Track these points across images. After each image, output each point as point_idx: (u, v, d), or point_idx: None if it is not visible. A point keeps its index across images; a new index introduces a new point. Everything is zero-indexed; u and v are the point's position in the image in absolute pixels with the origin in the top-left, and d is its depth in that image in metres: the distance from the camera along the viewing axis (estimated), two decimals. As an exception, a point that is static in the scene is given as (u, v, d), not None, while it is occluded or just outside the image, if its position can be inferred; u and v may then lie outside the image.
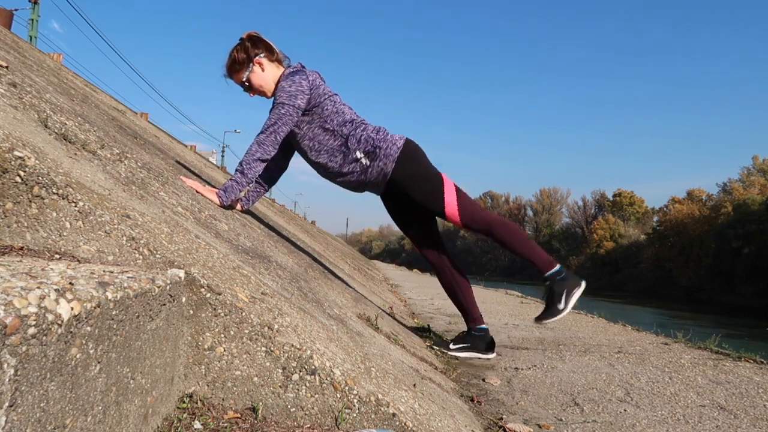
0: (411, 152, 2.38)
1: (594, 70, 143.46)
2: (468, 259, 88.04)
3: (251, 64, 2.33)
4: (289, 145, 2.50)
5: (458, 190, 2.41)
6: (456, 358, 2.51)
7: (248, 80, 2.34)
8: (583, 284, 2.40)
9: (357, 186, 2.43)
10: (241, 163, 2.22)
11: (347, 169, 2.36)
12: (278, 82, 2.33)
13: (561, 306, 2.33)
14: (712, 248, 42.56)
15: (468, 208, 2.39)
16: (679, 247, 47.62)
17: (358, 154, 2.33)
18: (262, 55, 2.34)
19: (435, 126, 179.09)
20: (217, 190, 2.28)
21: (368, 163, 2.33)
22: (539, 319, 2.39)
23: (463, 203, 2.39)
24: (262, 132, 2.23)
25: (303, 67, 2.38)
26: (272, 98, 2.36)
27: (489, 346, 2.56)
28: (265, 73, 2.34)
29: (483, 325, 2.59)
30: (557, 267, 2.38)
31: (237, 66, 2.34)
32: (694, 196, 54.19)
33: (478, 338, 2.56)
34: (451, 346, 2.56)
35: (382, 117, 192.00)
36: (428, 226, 2.62)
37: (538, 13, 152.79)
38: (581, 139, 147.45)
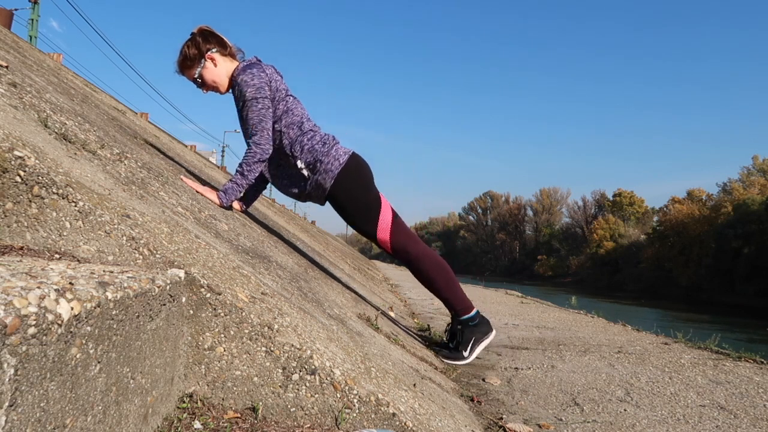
0: (353, 170, 2.34)
1: (594, 70, 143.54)
2: (467, 259, 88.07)
3: (203, 60, 2.25)
4: None
5: (395, 216, 2.41)
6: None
7: (200, 76, 2.27)
8: (493, 334, 2.47)
9: (298, 195, 2.39)
10: (241, 165, 2.21)
11: (289, 175, 2.34)
12: (232, 76, 2.27)
13: (465, 354, 2.42)
14: (712, 248, 42.54)
15: (401, 235, 2.39)
16: (679, 247, 47.60)
17: (299, 164, 2.29)
18: (214, 50, 2.26)
19: (435, 125, 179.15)
20: (217, 191, 2.27)
21: (308, 174, 2.30)
22: (443, 355, 2.47)
23: (396, 230, 2.38)
24: (253, 134, 2.20)
25: (259, 60, 2.32)
26: (226, 93, 2.31)
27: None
28: (218, 69, 2.27)
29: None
30: (473, 312, 2.44)
31: (188, 62, 2.27)
32: (694, 196, 54.17)
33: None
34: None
35: (383, 115, 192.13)
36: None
37: (539, 13, 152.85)
38: (581, 138, 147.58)
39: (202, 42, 2.26)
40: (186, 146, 9.06)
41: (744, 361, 2.71)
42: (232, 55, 2.32)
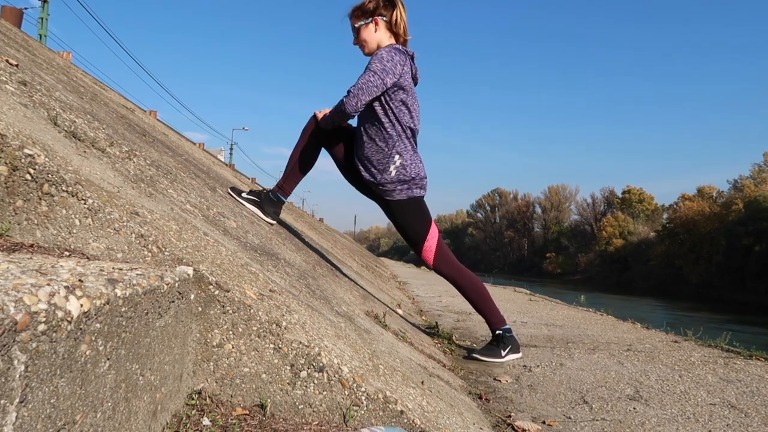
0: (419, 203, 2.49)
1: (603, 67, 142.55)
2: (476, 257, 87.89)
3: (370, 18, 2.41)
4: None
5: (439, 238, 2.55)
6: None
7: (359, 30, 2.43)
8: (521, 354, 2.58)
9: (368, 181, 2.45)
10: (339, 105, 2.32)
11: (376, 163, 2.40)
12: (378, 47, 2.40)
13: (503, 353, 2.49)
14: (723, 245, 42.15)
15: (443, 255, 2.52)
16: (690, 245, 47.18)
17: (391, 167, 2.38)
18: (385, 18, 2.41)
19: (438, 125, 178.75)
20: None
21: (395, 174, 2.38)
22: (476, 352, 2.52)
23: (439, 250, 2.52)
24: (350, 90, 2.28)
25: (407, 52, 2.40)
26: (367, 56, 2.43)
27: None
28: (375, 34, 2.42)
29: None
30: (507, 326, 2.56)
31: (359, 12, 2.44)
32: (704, 193, 53.62)
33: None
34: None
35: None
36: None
37: (549, 8, 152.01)
38: (589, 135, 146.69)
39: (382, 6, 2.42)
40: (194, 144, 9.09)
41: (755, 359, 2.69)
42: (397, 35, 2.45)
